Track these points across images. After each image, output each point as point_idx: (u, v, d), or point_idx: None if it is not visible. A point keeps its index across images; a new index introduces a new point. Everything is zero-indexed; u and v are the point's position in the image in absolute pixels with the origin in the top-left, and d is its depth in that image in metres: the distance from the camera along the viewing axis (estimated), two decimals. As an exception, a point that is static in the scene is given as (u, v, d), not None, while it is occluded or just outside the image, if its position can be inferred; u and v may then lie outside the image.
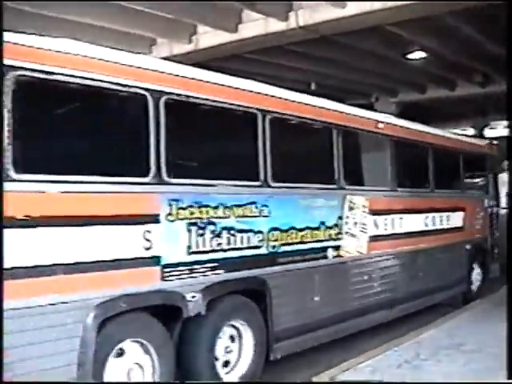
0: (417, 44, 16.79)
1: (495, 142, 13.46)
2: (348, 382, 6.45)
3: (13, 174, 4.49)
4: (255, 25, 13.84)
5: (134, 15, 13.06)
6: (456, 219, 11.07)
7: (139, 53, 13.93)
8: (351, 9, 12.42)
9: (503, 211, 13.11)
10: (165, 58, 13.95)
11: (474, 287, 11.80)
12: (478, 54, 18.41)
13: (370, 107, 17.59)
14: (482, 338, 7.97)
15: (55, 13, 12.38)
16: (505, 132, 40.19)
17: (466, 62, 19.42)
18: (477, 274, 11.88)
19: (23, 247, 4.56)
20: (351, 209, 8.06)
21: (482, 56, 18.81)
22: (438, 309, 10.38)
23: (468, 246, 11.46)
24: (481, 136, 30.84)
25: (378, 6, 12.10)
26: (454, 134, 13.78)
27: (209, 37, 14.70)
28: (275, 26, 13.46)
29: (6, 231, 4.30)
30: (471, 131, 34.63)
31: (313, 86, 19.03)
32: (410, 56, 17.87)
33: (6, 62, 4.47)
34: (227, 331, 6.31)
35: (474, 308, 10.26)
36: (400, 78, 22.13)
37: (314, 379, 6.65)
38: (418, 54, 17.72)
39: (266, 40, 14.21)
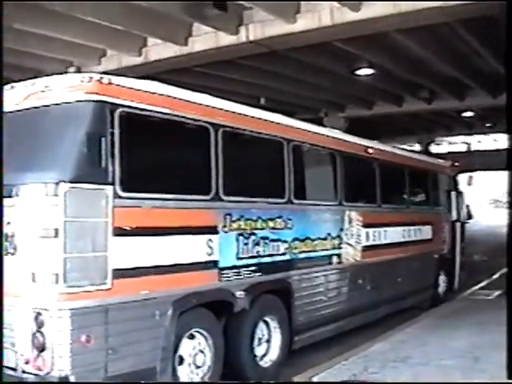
0: (365, 60, 17.06)
1: (456, 163, 14.92)
2: (326, 383, 7.14)
3: (120, 192, 5.62)
4: (205, 38, 14.10)
5: (84, 26, 12.94)
6: (426, 232, 12.64)
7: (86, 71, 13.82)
8: (301, 24, 12.58)
9: (463, 225, 14.54)
10: (114, 70, 13.88)
11: (441, 292, 13.30)
12: (424, 70, 18.96)
13: (320, 122, 17.78)
14: (429, 350, 8.18)
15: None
16: (450, 148, 41.14)
17: (413, 78, 19.91)
18: (442, 280, 13.41)
19: (128, 252, 5.70)
20: (350, 222, 9.41)
21: (428, 73, 19.38)
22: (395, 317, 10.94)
23: (436, 256, 13.01)
24: (426, 152, 31.48)
25: (326, 22, 12.22)
26: (425, 156, 15.56)
27: (158, 49, 14.81)
28: (225, 39, 13.71)
29: (114, 238, 5.50)
30: (417, 147, 35.34)
31: (262, 101, 19.15)
32: (358, 72, 18.21)
33: (114, 100, 5.67)
34: (262, 325, 7.62)
35: (421, 320, 10.50)
36: (348, 94, 22.59)
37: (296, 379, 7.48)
38: (365, 71, 18.05)
39: (215, 54, 14.32)
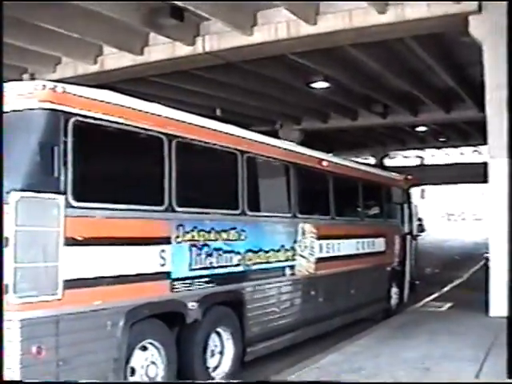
0: (320, 74, 17.29)
1: (410, 176, 15.16)
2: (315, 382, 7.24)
3: (72, 202, 5.57)
4: (162, 48, 14.10)
5: (39, 33, 12.83)
6: (379, 244, 12.76)
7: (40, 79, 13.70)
8: (257, 37, 12.70)
9: (416, 237, 14.71)
10: (69, 78, 13.78)
11: (393, 304, 13.43)
12: (379, 85, 19.29)
13: (275, 134, 17.91)
14: (382, 361, 8.23)
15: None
16: (404, 162, 41.78)
17: (368, 93, 20.23)
18: (394, 292, 13.55)
19: (80, 262, 5.63)
20: (303, 234, 9.44)
21: (383, 88, 19.71)
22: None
23: (388, 268, 13.16)
24: (381, 165, 31.90)
25: (283, 35, 12.39)
26: (378, 169, 15.73)
27: (114, 58, 14.69)
28: (182, 50, 13.76)
29: (66, 248, 5.44)
30: (372, 160, 35.82)
31: (218, 112, 19.22)
32: (313, 85, 18.41)
33: (68, 109, 5.60)
34: (214, 336, 7.60)
35: (374, 332, 10.59)
36: (304, 107, 22.80)
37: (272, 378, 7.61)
38: (321, 84, 18.27)
39: (172, 64, 14.38)
